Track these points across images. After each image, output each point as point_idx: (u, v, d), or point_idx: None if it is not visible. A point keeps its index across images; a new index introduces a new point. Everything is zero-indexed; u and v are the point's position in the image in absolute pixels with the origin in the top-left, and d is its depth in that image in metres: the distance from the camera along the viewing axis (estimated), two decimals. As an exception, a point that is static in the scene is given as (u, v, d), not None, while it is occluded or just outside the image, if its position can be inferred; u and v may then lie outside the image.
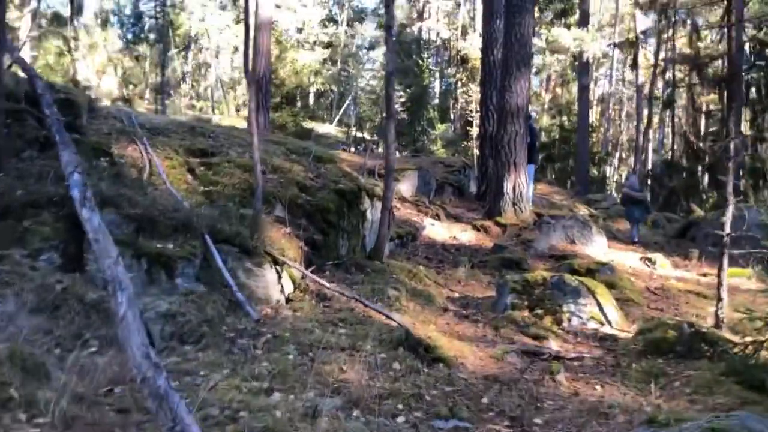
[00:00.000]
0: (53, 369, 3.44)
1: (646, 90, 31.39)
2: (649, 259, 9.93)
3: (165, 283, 4.96)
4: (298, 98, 22.51)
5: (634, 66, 23.46)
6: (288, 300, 5.73)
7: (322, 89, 29.55)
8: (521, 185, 10.77)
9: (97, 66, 25.26)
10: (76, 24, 24.80)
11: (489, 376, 4.54)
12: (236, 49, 30.68)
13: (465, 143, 23.96)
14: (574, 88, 33.35)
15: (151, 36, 31.06)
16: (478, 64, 24.63)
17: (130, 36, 29.80)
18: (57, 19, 24.31)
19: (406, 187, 11.81)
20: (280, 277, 5.69)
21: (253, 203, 6.10)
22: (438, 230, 10.47)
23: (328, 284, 5.77)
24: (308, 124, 23.80)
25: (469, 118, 23.52)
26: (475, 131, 22.88)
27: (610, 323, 6.20)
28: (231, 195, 6.46)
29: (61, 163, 4.77)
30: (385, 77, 7.60)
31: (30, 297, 4.19)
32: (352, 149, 23.52)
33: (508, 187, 10.72)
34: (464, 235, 10.33)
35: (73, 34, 24.65)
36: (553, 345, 5.48)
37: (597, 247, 10.26)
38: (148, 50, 25.79)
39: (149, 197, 5.50)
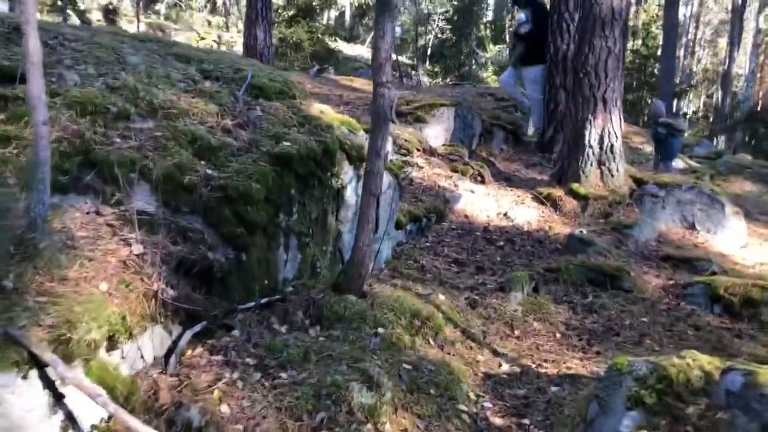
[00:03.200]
0: None
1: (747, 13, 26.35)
2: (824, 262, 6.12)
3: None
4: (319, 11, 18.55)
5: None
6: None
7: (357, 3, 25.42)
8: (613, 134, 6.95)
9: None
10: None
11: None
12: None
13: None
14: (653, 6, 28.33)
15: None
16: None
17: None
18: None
19: (435, 132, 8.11)
20: (58, 398, 2.27)
21: (31, 197, 2.64)
22: (480, 201, 6.83)
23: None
24: (333, 44, 19.93)
25: (530, 38, 19.24)
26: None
27: None
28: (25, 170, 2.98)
29: None
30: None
31: None
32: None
33: (591, 135, 6.93)
34: (520, 211, 6.66)
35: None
36: None
37: (731, 236, 6.51)
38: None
39: None
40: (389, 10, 3.68)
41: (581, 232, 6.08)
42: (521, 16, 9.39)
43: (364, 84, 10.60)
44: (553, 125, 8.99)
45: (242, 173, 3.45)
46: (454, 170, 7.48)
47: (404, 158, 6.99)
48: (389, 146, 6.68)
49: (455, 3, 18.96)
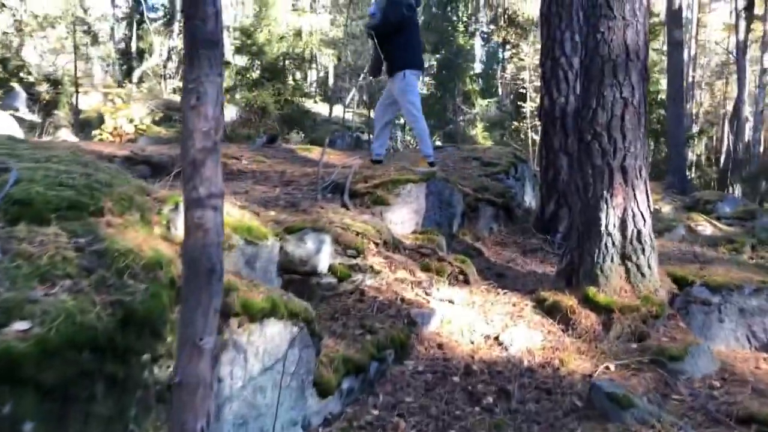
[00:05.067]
0: None
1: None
2: None
3: None
4: (290, 72, 16.92)
5: (750, 9, 17.01)
6: None
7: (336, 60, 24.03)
8: (639, 215, 5.03)
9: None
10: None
11: None
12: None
13: (515, 124, 18.10)
14: (655, 45, 27.09)
15: None
16: (533, 18, 18.68)
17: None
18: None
19: (401, 216, 6.20)
20: None
21: None
22: (461, 318, 4.87)
23: None
24: (310, 105, 18.33)
25: (522, 90, 17.67)
26: (529, 107, 17.08)
27: None
28: None
29: None
30: None
31: None
32: (367, 136, 17.96)
33: (609, 219, 5.01)
34: (518, 333, 4.68)
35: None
36: None
37: (823, 360, 4.50)
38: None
39: None
40: (211, 54, 1.81)
41: (606, 369, 4.12)
42: (371, 8, 7.21)
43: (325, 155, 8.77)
44: (554, 198, 7.10)
45: None
46: (426, 269, 5.55)
47: (353, 261, 5.06)
48: (327, 249, 4.77)
49: (438, 56, 17.43)
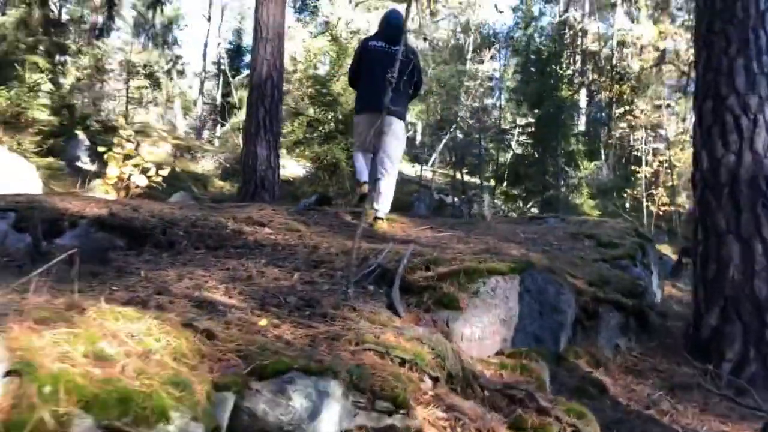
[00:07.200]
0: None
1: None
2: None
3: None
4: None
5: None
6: None
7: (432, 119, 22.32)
8: None
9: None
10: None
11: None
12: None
13: (627, 192, 15.51)
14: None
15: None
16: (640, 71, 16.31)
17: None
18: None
19: (479, 328, 3.99)
20: None
21: None
22: None
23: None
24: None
25: (636, 152, 15.14)
26: (645, 173, 14.51)
27: None
28: None
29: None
30: None
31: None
32: (452, 199, 15.85)
33: None
34: None
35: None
36: None
37: None
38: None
39: None
40: None
41: None
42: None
43: (386, 226, 6.73)
44: (718, 306, 4.68)
45: None
46: (517, 429, 3.30)
47: (387, 421, 2.90)
48: (332, 409, 2.65)
49: (537, 111, 15.27)
